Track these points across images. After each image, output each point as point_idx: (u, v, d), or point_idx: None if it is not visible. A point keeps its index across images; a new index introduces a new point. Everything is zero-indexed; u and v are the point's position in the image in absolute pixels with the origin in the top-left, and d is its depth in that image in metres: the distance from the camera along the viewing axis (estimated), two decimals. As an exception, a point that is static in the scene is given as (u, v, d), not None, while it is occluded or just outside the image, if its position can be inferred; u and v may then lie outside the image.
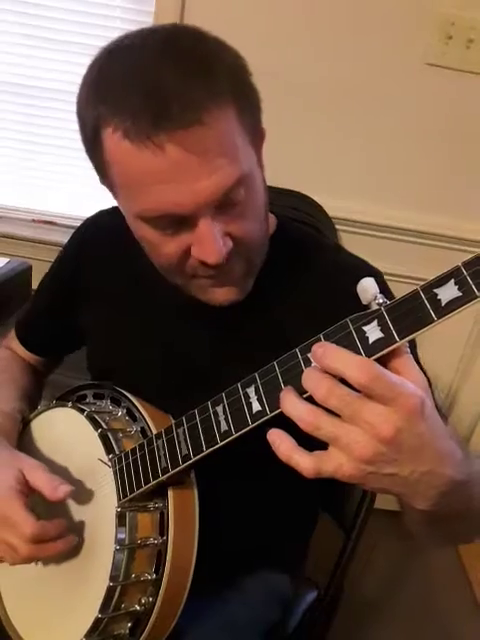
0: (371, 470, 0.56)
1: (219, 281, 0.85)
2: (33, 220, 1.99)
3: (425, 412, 0.55)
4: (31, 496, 0.87)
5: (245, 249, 0.83)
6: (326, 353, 0.55)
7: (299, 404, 0.57)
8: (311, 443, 0.58)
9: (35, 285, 1.47)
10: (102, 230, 1.07)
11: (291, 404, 0.57)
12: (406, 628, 1.90)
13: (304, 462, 0.57)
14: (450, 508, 0.63)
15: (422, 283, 0.53)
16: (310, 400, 0.57)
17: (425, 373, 0.92)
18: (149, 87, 0.71)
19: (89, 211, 1.12)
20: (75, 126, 0.80)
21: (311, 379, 0.56)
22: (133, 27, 1.75)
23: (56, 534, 0.85)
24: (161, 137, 0.70)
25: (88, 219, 1.12)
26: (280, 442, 0.58)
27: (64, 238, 1.15)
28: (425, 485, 0.59)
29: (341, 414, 0.55)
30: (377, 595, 2.00)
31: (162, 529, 0.80)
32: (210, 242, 0.77)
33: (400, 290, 0.77)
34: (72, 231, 1.12)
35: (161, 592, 0.79)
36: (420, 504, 0.61)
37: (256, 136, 0.83)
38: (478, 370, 2.14)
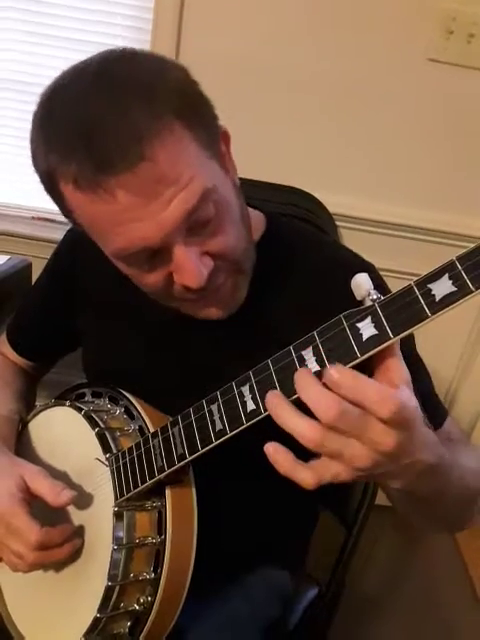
0: (365, 474, 0.58)
1: (210, 300, 0.85)
2: (33, 217, 1.98)
3: (418, 417, 0.56)
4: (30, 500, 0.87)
5: (229, 262, 0.82)
6: (344, 382, 0.54)
7: (301, 421, 0.56)
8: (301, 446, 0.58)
9: (35, 282, 1.46)
10: None
11: (292, 421, 0.56)
12: (407, 623, 1.91)
13: (306, 477, 0.58)
14: (428, 488, 0.66)
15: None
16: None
17: (422, 363, 0.92)
18: (87, 131, 0.70)
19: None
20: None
21: (319, 401, 0.54)
22: (133, 23, 1.76)
23: (61, 540, 0.85)
24: (109, 183, 0.69)
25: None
26: (278, 457, 0.58)
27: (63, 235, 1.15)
28: (407, 472, 0.60)
29: (344, 432, 0.55)
30: (378, 591, 2.00)
31: (160, 528, 0.80)
32: (189, 268, 0.76)
33: (401, 287, 0.77)
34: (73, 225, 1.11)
35: (160, 591, 0.79)
36: (396, 485, 0.63)
37: (215, 145, 0.80)
38: (478, 366, 2.13)
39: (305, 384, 0.56)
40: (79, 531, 0.88)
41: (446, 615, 1.97)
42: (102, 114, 0.69)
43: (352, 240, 1.86)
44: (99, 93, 0.71)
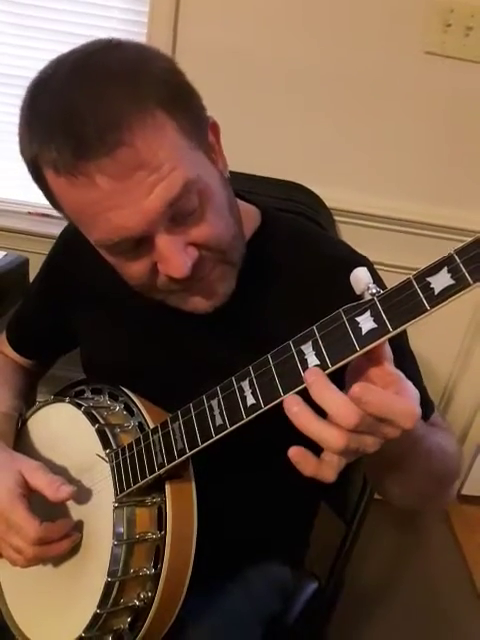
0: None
1: (195, 291, 0.84)
2: (29, 213, 1.98)
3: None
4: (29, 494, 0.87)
5: (215, 252, 0.81)
6: (369, 399, 0.55)
7: (326, 428, 0.57)
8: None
9: (32, 278, 1.46)
10: None
11: (316, 428, 0.57)
12: (406, 618, 1.91)
13: (328, 475, 0.60)
14: (396, 448, 0.68)
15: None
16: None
17: (414, 357, 0.93)
18: (66, 117, 0.70)
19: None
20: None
21: (339, 409, 0.56)
22: (129, 17, 1.75)
23: (60, 535, 0.85)
24: (89, 168, 0.69)
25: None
26: (305, 463, 0.60)
27: (60, 231, 1.14)
28: None
29: (361, 432, 0.57)
30: (378, 586, 2.00)
31: (160, 524, 0.80)
32: (172, 257, 0.76)
33: (398, 281, 0.76)
34: (68, 224, 1.11)
35: (160, 587, 0.79)
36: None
37: (201, 135, 0.79)
38: (476, 361, 2.14)
39: (320, 388, 0.57)
40: (78, 527, 0.88)
41: (446, 610, 1.97)
42: (82, 100, 0.69)
43: (349, 234, 1.86)
44: (80, 80, 0.71)
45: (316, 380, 0.57)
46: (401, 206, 1.89)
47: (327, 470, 0.60)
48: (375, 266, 0.90)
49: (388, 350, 0.60)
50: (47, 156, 0.71)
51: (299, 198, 1.72)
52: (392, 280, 0.80)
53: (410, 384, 0.60)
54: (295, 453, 0.59)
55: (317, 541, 1.22)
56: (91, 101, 0.69)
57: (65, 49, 0.78)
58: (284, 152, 1.84)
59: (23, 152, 0.77)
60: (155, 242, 0.76)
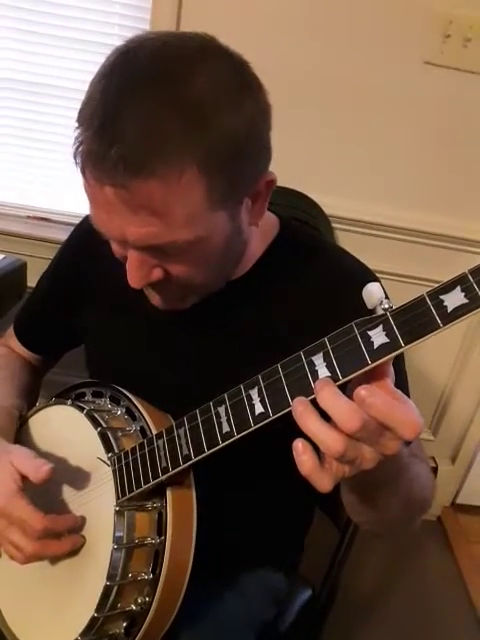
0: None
1: (151, 291, 0.86)
2: (28, 217, 1.98)
3: None
4: (28, 494, 0.86)
5: (181, 285, 0.82)
6: (373, 401, 0.55)
7: (328, 432, 0.56)
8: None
9: (30, 282, 1.46)
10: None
11: (318, 430, 0.57)
12: (400, 627, 1.91)
13: (324, 483, 0.59)
14: (383, 475, 0.68)
15: (418, 282, 0.54)
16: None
17: (407, 378, 0.93)
18: (108, 116, 0.68)
19: (84, 208, 1.10)
20: (71, 122, 0.79)
21: (342, 412, 0.56)
22: (131, 23, 1.75)
23: (67, 528, 0.85)
24: (102, 178, 0.69)
25: (86, 218, 1.10)
26: (305, 457, 0.58)
27: (59, 235, 1.14)
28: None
29: (360, 439, 0.57)
30: (371, 593, 2.00)
31: (160, 529, 0.80)
32: (131, 271, 0.78)
33: (397, 289, 0.77)
34: (67, 228, 1.11)
35: (158, 592, 0.79)
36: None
37: (238, 195, 0.78)
38: (471, 374, 2.15)
39: (328, 394, 0.57)
40: (77, 529, 0.87)
41: (439, 618, 1.98)
42: (125, 121, 0.67)
43: (348, 242, 1.87)
44: (134, 95, 0.68)
45: (325, 386, 0.57)
46: (399, 214, 1.90)
47: (325, 477, 0.59)
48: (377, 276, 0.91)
49: (391, 369, 0.60)
50: (78, 140, 0.71)
51: (297, 205, 1.72)
52: (390, 288, 0.81)
53: (411, 402, 0.60)
54: (301, 445, 0.58)
55: (311, 548, 1.23)
56: (134, 132, 0.67)
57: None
58: (283, 160, 1.82)
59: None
60: (127, 250, 0.78)
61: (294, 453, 0.59)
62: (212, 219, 0.75)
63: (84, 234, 1.07)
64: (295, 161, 1.84)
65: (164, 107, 0.67)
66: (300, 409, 0.58)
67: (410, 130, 1.83)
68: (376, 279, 0.72)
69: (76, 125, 0.72)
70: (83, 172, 0.72)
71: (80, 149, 0.70)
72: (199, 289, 0.86)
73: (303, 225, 1.05)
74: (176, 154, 0.67)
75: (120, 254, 0.81)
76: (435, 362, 2.05)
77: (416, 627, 1.93)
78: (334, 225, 1.87)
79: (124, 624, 0.82)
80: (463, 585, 2.11)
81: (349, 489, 0.76)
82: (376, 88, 1.78)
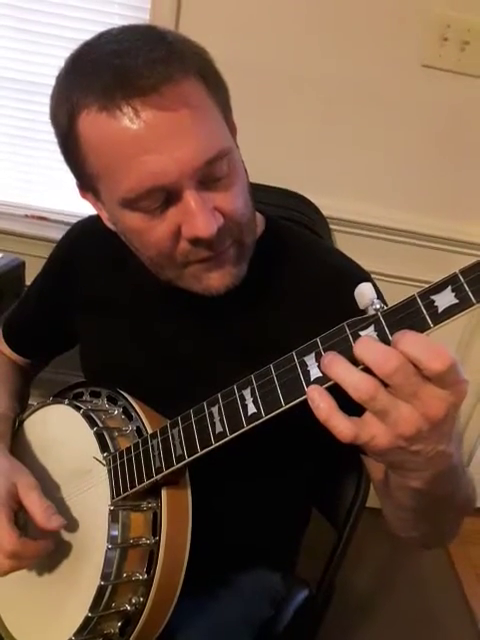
0: (403, 445, 0.56)
1: (213, 263, 0.82)
2: (26, 216, 1.98)
3: (465, 391, 0.55)
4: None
5: (234, 226, 0.81)
6: (403, 339, 0.52)
7: (355, 372, 0.54)
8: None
9: (28, 281, 1.46)
10: (91, 235, 1.06)
11: (345, 370, 0.55)
12: (396, 627, 1.92)
13: (344, 426, 0.55)
14: (441, 490, 0.65)
15: (415, 284, 0.54)
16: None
17: None
18: (115, 56, 0.72)
19: (82, 207, 1.09)
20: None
21: (376, 352, 0.53)
22: (130, 21, 1.75)
23: (35, 555, 0.84)
24: (135, 101, 0.70)
25: (77, 223, 1.11)
26: (321, 401, 0.56)
27: (57, 234, 1.14)
28: (434, 462, 0.59)
29: (398, 390, 0.54)
30: (368, 594, 2.01)
31: (155, 529, 0.80)
32: (199, 214, 0.75)
33: (393, 291, 0.77)
34: (65, 227, 1.11)
35: (152, 592, 0.79)
36: (416, 482, 0.62)
37: (229, 116, 0.83)
38: (469, 367, 2.13)
39: (365, 343, 0.54)
40: (71, 528, 0.88)
41: (436, 617, 1.98)
42: (135, 55, 0.71)
43: (345, 243, 1.87)
44: (131, 35, 0.75)
45: (361, 339, 0.55)
46: (396, 216, 1.91)
47: (343, 422, 0.55)
48: (370, 275, 0.91)
49: None
50: (90, 97, 0.72)
51: (294, 206, 1.72)
52: (386, 289, 0.81)
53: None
54: (317, 393, 0.56)
55: (308, 548, 1.23)
56: (142, 45, 0.72)
57: (64, 54, 0.79)
58: (281, 161, 1.85)
59: (56, 111, 0.79)
60: (183, 198, 0.75)
61: (310, 404, 0.56)
62: (226, 132, 0.80)
63: (74, 240, 1.08)
64: (294, 162, 1.85)
65: (152, 40, 0.75)
66: (329, 356, 0.56)
67: (408, 133, 1.84)
68: (368, 278, 0.71)
69: (71, 101, 0.75)
70: (100, 135, 0.74)
71: (99, 99, 0.72)
72: (245, 231, 0.83)
73: (290, 222, 1.04)
74: (182, 64, 0.73)
75: (172, 225, 0.78)
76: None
77: (412, 627, 1.94)
78: (332, 226, 1.87)
79: (118, 624, 0.82)
80: (459, 586, 2.11)
81: (410, 506, 0.71)
82: (374, 91, 1.79)
